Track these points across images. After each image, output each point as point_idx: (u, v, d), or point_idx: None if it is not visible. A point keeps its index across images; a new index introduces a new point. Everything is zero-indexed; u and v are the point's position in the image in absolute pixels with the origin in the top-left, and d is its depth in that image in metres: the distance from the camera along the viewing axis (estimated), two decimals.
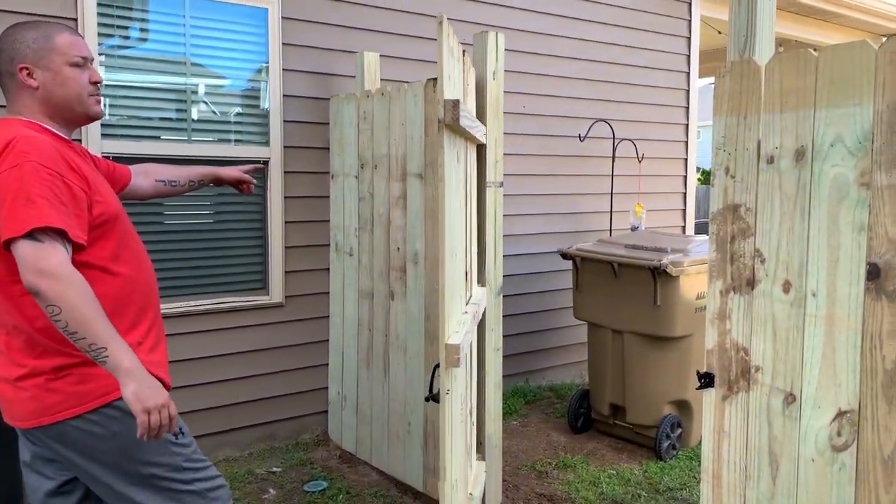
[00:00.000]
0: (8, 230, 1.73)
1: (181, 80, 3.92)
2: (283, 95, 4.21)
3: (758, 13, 2.18)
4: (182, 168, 2.62)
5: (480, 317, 3.11)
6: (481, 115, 3.25)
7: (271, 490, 3.72)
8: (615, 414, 4.50)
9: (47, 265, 1.70)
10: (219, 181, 2.71)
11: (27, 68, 1.95)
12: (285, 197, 4.24)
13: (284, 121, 4.22)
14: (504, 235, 5.12)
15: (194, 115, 3.99)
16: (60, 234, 1.76)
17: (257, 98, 4.19)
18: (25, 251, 1.71)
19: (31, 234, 1.71)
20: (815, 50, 2.00)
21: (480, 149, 3.26)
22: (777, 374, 2.08)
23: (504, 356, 5.23)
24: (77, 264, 1.79)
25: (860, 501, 1.89)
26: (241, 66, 4.11)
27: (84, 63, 2.02)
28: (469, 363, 3.06)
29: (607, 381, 4.46)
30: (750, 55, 2.17)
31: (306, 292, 4.35)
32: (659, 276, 4.04)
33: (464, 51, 2.69)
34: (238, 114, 4.12)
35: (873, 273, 1.85)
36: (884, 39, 1.85)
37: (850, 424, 1.91)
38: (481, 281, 3.30)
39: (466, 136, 2.75)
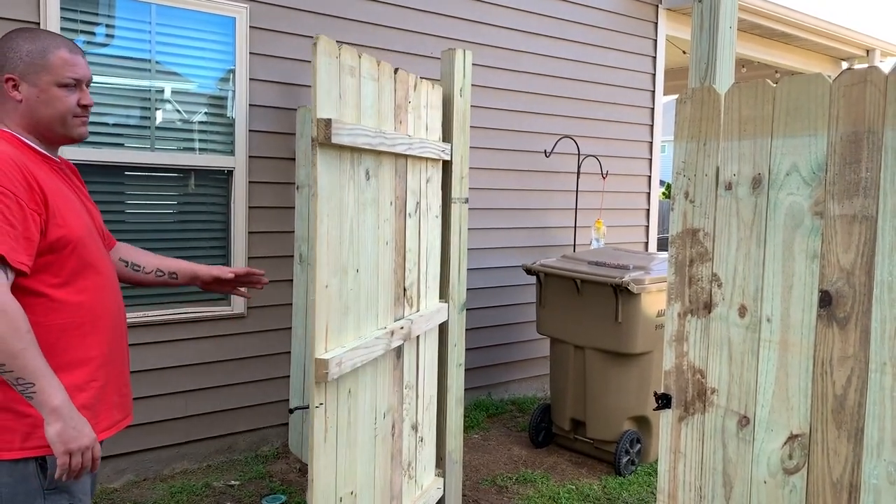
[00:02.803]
0: None
1: (145, 86, 3.88)
2: (250, 105, 4.18)
3: (718, 42, 2.23)
4: (155, 256, 2.34)
5: (428, 331, 3.11)
6: (448, 131, 3.27)
7: None
8: (576, 429, 4.53)
9: None
10: (196, 280, 2.37)
11: (14, 80, 1.88)
12: (249, 207, 4.21)
13: (250, 130, 4.19)
14: (471, 249, 5.15)
15: (158, 123, 3.94)
16: (0, 259, 1.68)
17: (223, 107, 4.16)
18: None
19: None
20: (776, 73, 2.05)
21: (446, 165, 3.28)
22: (732, 396, 2.12)
23: (467, 369, 5.26)
24: (17, 289, 1.73)
25: None
26: (207, 74, 4.08)
27: (76, 84, 1.94)
28: (417, 378, 3.07)
29: (568, 395, 4.49)
30: (710, 83, 2.22)
31: (269, 304, 4.31)
32: (621, 293, 4.09)
33: (396, 69, 2.71)
34: (203, 122, 4.09)
35: (825, 300, 1.90)
36: (845, 65, 1.90)
37: (801, 448, 1.95)
38: (444, 296, 3.31)
39: (393, 154, 2.69)
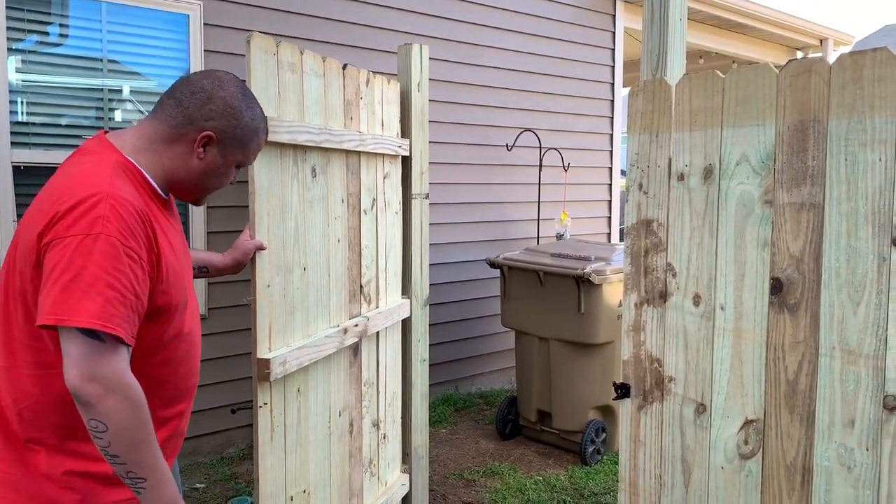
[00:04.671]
0: (59, 311, 1.38)
1: (98, 84, 3.80)
2: None
3: (669, 33, 2.25)
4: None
5: (389, 327, 3.10)
6: (406, 126, 3.26)
7: None
8: (542, 420, 4.56)
9: (103, 372, 1.39)
10: (222, 269, 2.26)
11: (211, 139, 1.65)
12: (208, 206, 4.15)
13: None
14: (434, 244, 5.15)
15: (112, 123, 3.87)
16: (119, 338, 1.44)
17: None
18: (79, 348, 1.38)
19: (91, 331, 1.39)
20: (734, 63, 2.08)
21: (405, 161, 3.27)
22: (689, 384, 2.14)
23: (434, 364, 5.26)
24: None
25: None
26: (161, 72, 4.01)
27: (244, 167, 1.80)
28: (378, 375, 3.06)
29: (534, 387, 4.52)
30: (662, 75, 2.24)
31: (230, 304, 4.27)
32: (583, 284, 4.12)
33: (345, 65, 2.69)
34: None
35: (776, 287, 1.93)
36: (800, 55, 1.93)
37: (756, 433, 1.99)
38: (406, 292, 3.30)
39: (343, 151, 2.66)
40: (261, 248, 2.28)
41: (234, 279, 4.22)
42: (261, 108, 1.76)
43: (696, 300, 2.11)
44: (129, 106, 3.93)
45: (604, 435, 4.37)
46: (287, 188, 2.38)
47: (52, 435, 1.53)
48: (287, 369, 2.33)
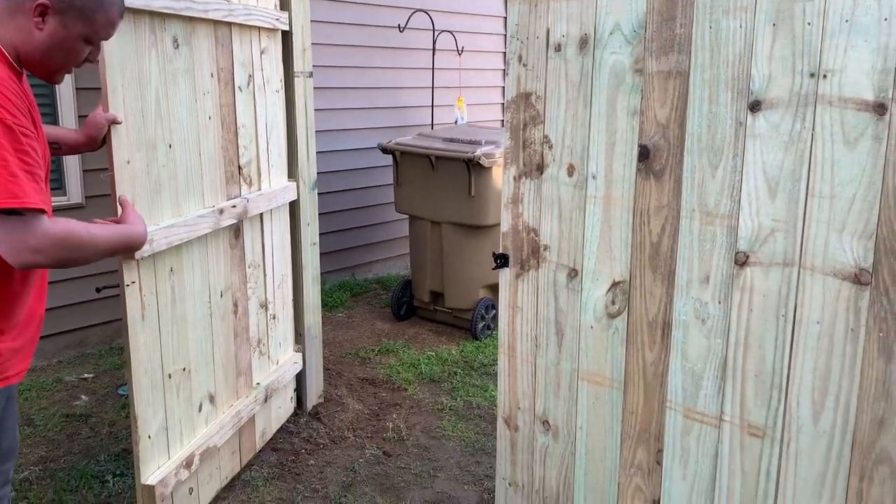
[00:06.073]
0: None
1: None
2: None
3: None
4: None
5: (273, 210, 3.05)
6: None
7: (83, 396, 3.59)
8: (435, 300, 4.69)
9: (34, 242, 1.55)
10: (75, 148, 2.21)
11: (46, 8, 1.60)
12: (77, 88, 3.88)
13: None
14: (326, 130, 5.05)
15: None
16: (37, 209, 1.55)
17: None
18: (5, 227, 1.52)
19: (11, 210, 1.51)
20: None
21: (286, 36, 3.13)
22: (562, 251, 2.24)
23: (330, 251, 5.27)
24: None
25: (630, 359, 2.11)
26: None
27: (97, 43, 1.73)
28: (264, 257, 3.05)
29: (427, 269, 4.61)
30: None
31: (108, 192, 4.07)
32: (473, 167, 4.16)
33: None
34: None
35: (643, 154, 2.01)
36: None
37: (622, 293, 2.11)
38: (293, 175, 3.24)
39: (209, 21, 2.49)
40: (115, 121, 2.15)
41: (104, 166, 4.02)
42: None
43: (571, 171, 2.18)
44: None
45: (493, 312, 4.54)
46: (144, 58, 2.24)
47: None
48: (155, 248, 2.27)
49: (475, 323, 4.44)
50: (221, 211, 2.62)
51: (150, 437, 2.37)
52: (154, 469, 2.40)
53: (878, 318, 1.66)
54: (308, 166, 3.32)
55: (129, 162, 2.20)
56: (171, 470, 2.44)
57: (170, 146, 2.37)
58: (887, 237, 1.62)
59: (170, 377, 2.45)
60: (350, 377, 3.90)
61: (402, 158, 4.54)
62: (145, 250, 2.22)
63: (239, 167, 2.78)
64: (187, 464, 2.52)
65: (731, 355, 1.91)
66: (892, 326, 1.65)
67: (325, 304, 4.88)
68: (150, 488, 2.35)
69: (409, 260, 5.94)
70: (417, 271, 4.71)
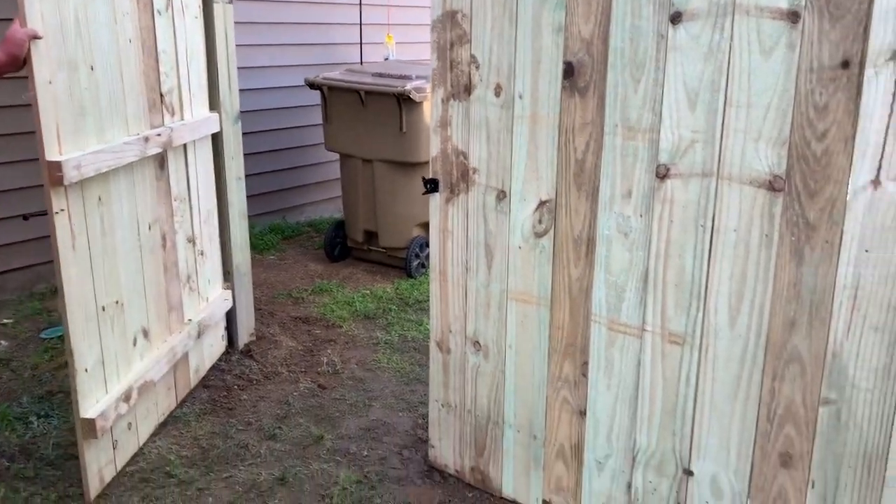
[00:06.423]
0: None
1: None
2: None
3: None
4: None
5: (197, 141, 2.95)
6: None
7: (2, 342, 3.46)
8: (369, 240, 4.66)
9: None
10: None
11: None
12: None
13: None
14: (252, 67, 4.89)
15: None
16: None
17: None
18: None
19: None
20: None
21: None
22: (491, 174, 2.24)
23: (260, 193, 5.16)
24: None
25: (556, 276, 2.15)
26: None
27: None
28: (189, 191, 2.97)
29: (360, 209, 4.57)
30: None
31: (26, 130, 3.88)
32: (404, 102, 4.11)
33: None
34: None
35: (568, 71, 2.01)
36: None
37: (548, 212, 2.13)
38: (214, 107, 3.14)
39: None
40: (35, 36, 2.04)
41: (16, 77, 3.82)
42: None
43: (498, 90, 2.16)
44: None
45: (427, 250, 4.55)
46: None
47: None
48: (83, 174, 2.18)
49: (410, 261, 4.44)
50: (147, 139, 2.53)
51: (86, 370, 2.32)
52: (93, 403, 2.36)
53: (790, 224, 1.73)
54: (230, 97, 3.21)
55: (50, 82, 2.09)
56: (111, 403, 2.40)
57: (91, 68, 2.26)
58: (799, 143, 1.68)
59: (103, 310, 2.39)
60: (283, 316, 3.86)
61: (331, 94, 4.45)
62: (73, 176, 2.13)
63: (161, 94, 2.67)
64: (126, 397, 2.49)
65: (652, 267, 1.96)
66: (803, 231, 1.71)
67: (255, 248, 4.79)
68: (90, 421, 2.31)
69: (341, 202, 5.87)
70: (350, 211, 4.66)
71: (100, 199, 2.34)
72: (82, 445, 2.33)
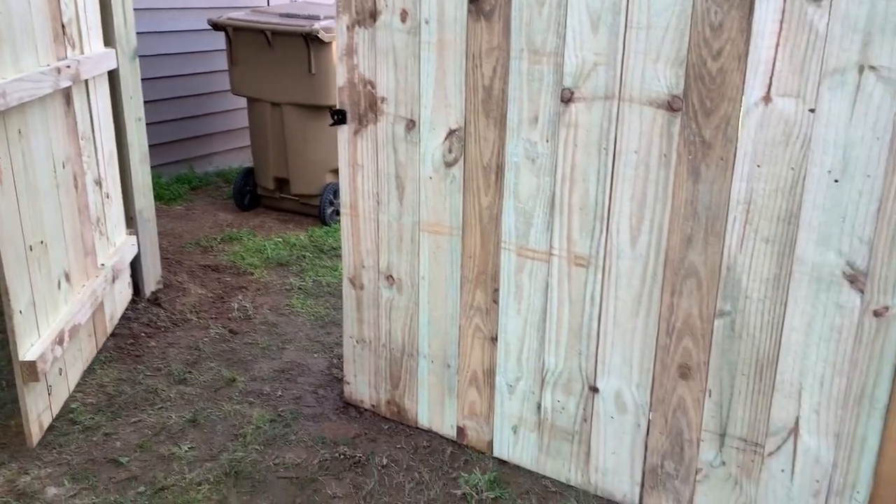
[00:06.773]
0: None
1: None
2: None
3: None
4: None
5: (97, 77, 2.81)
6: None
7: None
8: (281, 188, 4.57)
9: None
10: None
11: None
12: None
13: None
14: (151, 8, 4.66)
15: None
16: None
17: None
18: None
19: None
20: None
21: None
22: (399, 103, 2.21)
23: (165, 143, 4.97)
24: None
25: (467, 205, 2.16)
26: None
27: None
28: (93, 129, 2.84)
29: (270, 155, 4.46)
30: None
31: None
32: (312, 42, 4.00)
33: None
34: None
35: None
36: None
37: (458, 141, 2.13)
38: (110, 42, 2.98)
39: None
40: None
41: None
42: None
43: (404, 16, 2.13)
44: None
45: None
46: None
47: None
48: (8, 102, 2.09)
49: (323, 208, 4.38)
50: (59, 70, 2.42)
51: (21, 311, 2.23)
52: (29, 346, 2.27)
53: (687, 142, 1.78)
54: (126, 33, 3.05)
55: None
56: (47, 346, 2.32)
57: None
58: (696, 63, 1.72)
59: (31, 249, 2.29)
60: (191, 265, 3.76)
61: (236, 36, 4.29)
62: None
63: (63, 25, 2.53)
64: (59, 340, 2.41)
65: (558, 192, 1.99)
66: (699, 149, 1.77)
67: (162, 198, 4.63)
68: (31, 364, 2.22)
69: (251, 150, 5.71)
70: (260, 157, 4.55)
71: (20, 132, 2.23)
72: (22, 390, 2.24)
